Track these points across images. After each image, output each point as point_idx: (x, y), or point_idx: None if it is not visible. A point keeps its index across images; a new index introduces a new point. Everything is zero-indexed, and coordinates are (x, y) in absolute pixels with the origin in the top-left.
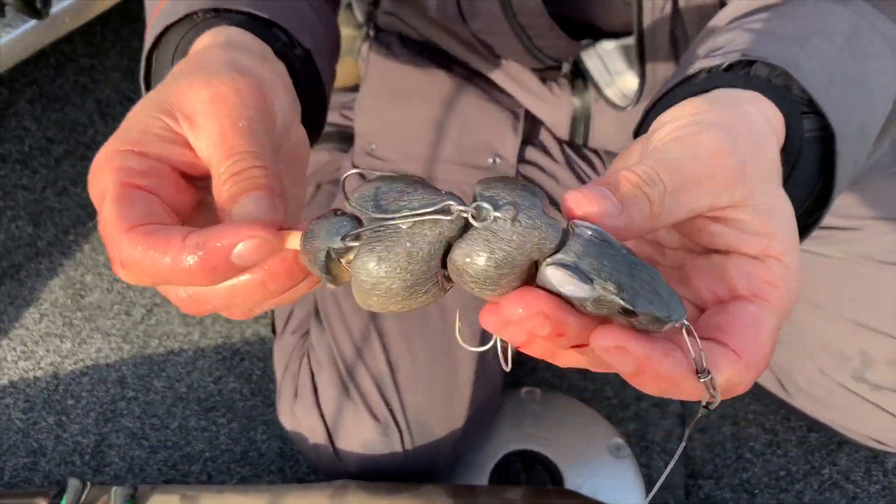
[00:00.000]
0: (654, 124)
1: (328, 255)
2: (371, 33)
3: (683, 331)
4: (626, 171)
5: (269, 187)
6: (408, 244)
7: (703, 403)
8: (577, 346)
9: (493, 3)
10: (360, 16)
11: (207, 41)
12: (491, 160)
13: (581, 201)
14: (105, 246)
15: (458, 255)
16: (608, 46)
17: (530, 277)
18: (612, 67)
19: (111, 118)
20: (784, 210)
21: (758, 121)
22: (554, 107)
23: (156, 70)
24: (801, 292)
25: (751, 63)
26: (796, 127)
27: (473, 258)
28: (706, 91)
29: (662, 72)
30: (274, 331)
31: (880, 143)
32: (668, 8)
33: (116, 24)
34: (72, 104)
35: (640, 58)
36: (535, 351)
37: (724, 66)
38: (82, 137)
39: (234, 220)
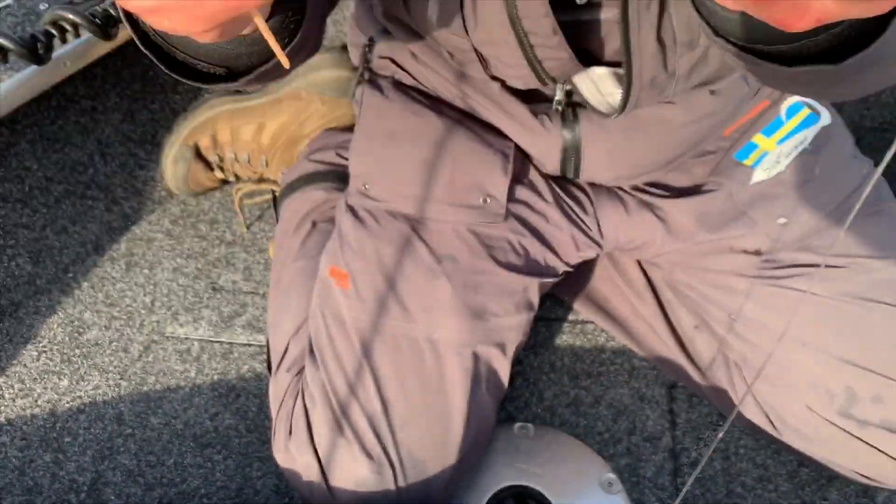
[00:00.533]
0: None
1: None
2: (365, 76)
3: None
4: None
5: None
6: None
7: None
8: None
9: (498, 8)
10: (355, 59)
11: None
12: (481, 200)
13: None
14: None
15: None
16: (600, 72)
17: None
18: (604, 90)
19: (111, 157)
20: None
21: None
22: (545, 140)
23: None
24: None
25: None
26: None
27: None
28: None
29: (647, 89)
30: (269, 368)
31: None
32: (655, 7)
33: (116, 67)
34: (72, 144)
35: (628, 78)
36: None
37: None
38: (82, 177)
39: None
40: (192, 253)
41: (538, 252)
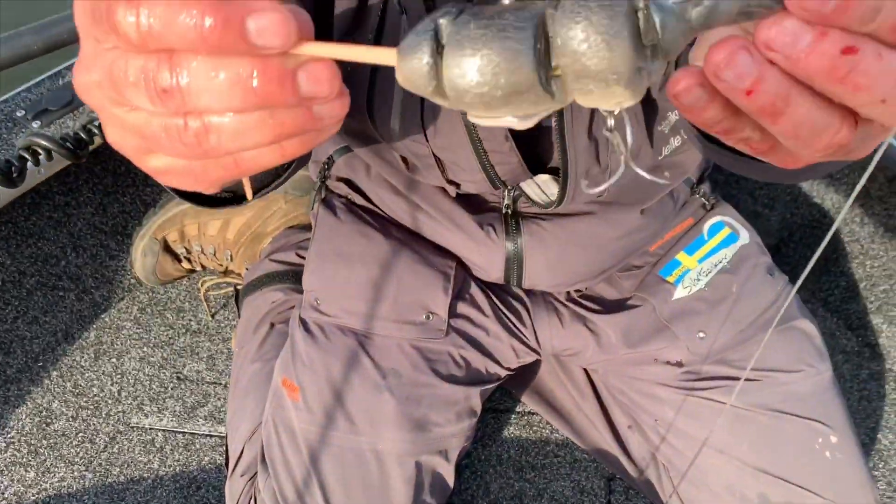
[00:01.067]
0: None
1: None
2: (322, 193)
3: None
4: None
5: None
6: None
7: None
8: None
9: (455, 117)
10: (314, 174)
11: None
12: (424, 317)
13: None
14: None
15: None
16: (545, 178)
17: None
18: (548, 192)
19: (83, 249)
20: None
21: None
22: (490, 250)
23: None
24: None
25: None
26: None
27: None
28: None
29: (582, 167)
30: (227, 465)
31: None
32: (585, 134)
33: (89, 163)
34: (45, 238)
35: (564, 171)
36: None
37: None
38: (54, 269)
39: None
40: (158, 342)
41: (479, 362)
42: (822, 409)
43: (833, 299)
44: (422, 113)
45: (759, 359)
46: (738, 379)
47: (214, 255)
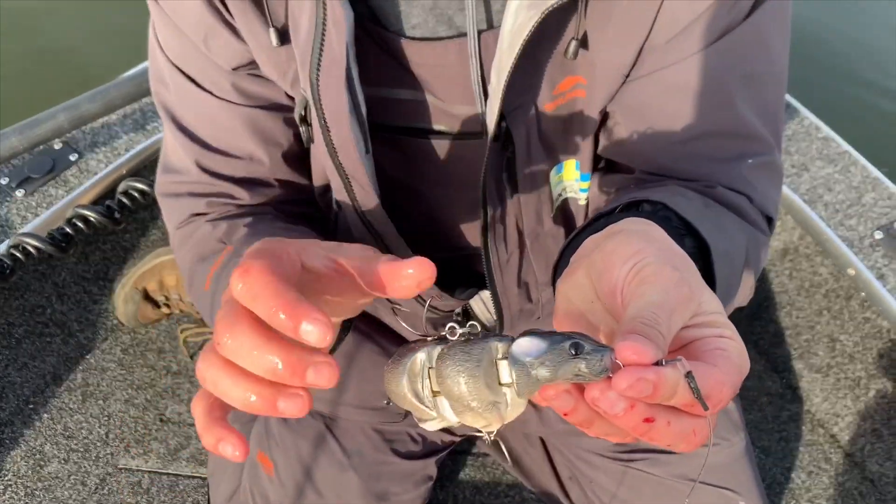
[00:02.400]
0: (578, 257)
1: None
2: None
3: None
4: (639, 322)
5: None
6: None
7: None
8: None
9: None
10: None
11: None
12: (385, 403)
13: (639, 350)
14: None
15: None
16: (487, 294)
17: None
18: (491, 310)
19: (67, 297)
20: (719, 307)
21: (679, 249)
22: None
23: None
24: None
25: (638, 205)
26: (680, 245)
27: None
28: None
29: (515, 307)
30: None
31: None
32: (515, 259)
33: None
34: (31, 290)
35: (496, 304)
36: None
37: (617, 209)
38: (41, 317)
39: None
40: (141, 383)
41: (434, 436)
42: (733, 478)
43: (763, 343)
44: None
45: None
46: (663, 452)
47: (192, 303)
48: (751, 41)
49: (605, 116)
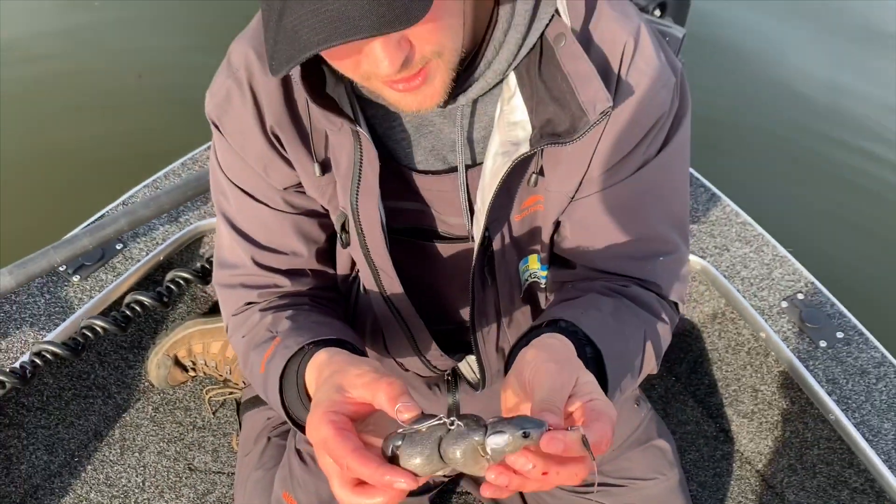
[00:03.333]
0: (516, 361)
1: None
2: None
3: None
4: (546, 403)
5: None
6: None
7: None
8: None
9: (404, 341)
10: None
11: (324, 356)
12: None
13: (553, 422)
14: (334, 467)
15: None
16: (472, 358)
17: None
18: (476, 371)
19: (108, 363)
20: (592, 380)
21: (566, 347)
22: (436, 402)
23: (286, 387)
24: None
25: (557, 322)
26: (582, 352)
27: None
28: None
29: (495, 367)
30: None
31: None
32: (494, 331)
33: None
34: (79, 359)
35: (480, 366)
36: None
37: (544, 324)
38: (85, 382)
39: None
40: (171, 437)
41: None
42: None
43: (699, 393)
44: (383, 338)
45: (625, 470)
46: (611, 485)
47: (216, 368)
48: (661, 169)
49: (557, 224)
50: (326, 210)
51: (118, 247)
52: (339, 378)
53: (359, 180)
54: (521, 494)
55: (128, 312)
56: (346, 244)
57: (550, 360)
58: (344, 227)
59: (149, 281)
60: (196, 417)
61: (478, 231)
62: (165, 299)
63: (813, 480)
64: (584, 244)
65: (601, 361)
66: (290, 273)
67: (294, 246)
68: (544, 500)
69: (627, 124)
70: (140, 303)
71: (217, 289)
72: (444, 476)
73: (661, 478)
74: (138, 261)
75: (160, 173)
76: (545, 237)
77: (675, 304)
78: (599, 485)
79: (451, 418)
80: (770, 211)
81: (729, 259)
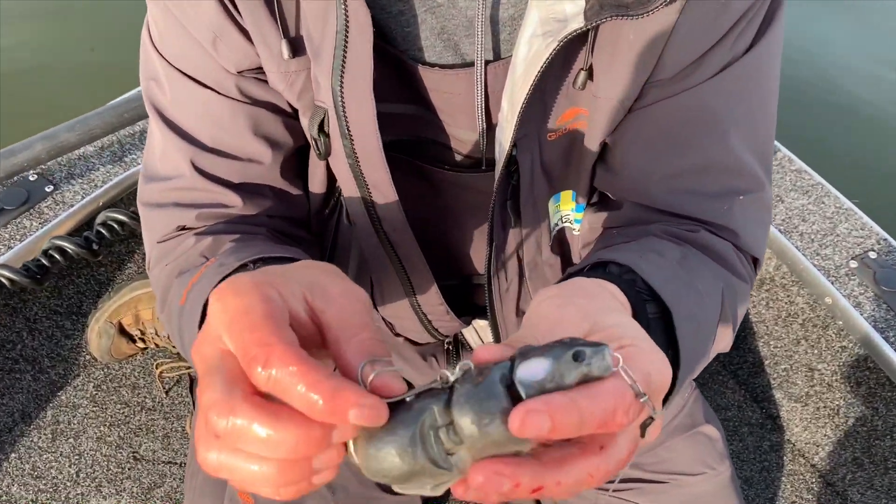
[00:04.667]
0: (526, 315)
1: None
2: None
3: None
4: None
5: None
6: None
7: (651, 417)
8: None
9: (399, 291)
10: None
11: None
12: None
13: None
14: (227, 362)
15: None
16: (482, 323)
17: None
18: (484, 338)
19: (38, 332)
20: (627, 322)
21: (587, 284)
22: (431, 377)
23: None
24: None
25: (605, 266)
26: (642, 310)
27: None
28: None
29: (514, 332)
30: None
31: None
32: (514, 287)
33: None
34: (1, 325)
35: (495, 331)
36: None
37: (586, 269)
38: (10, 353)
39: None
40: (114, 420)
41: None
42: None
43: (742, 373)
44: (371, 286)
45: (666, 462)
46: (649, 482)
47: (168, 337)
48: (749, 73)
49: (602, 149)
50: (295, 110)
51: (48, 189)
52: (311, 277)
53: (344, 56)
54: None
55: (44, 261)
56: (323, 153)
57: (561, 301)
58: (322, 129)
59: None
60: (145, 397)
61: (501, 151)
62: (96, 247)
63: (884, 477)
64: (639, 174)
65: (670, 325)
66: (244, 189)
67: (250, 149)
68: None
69: (713, 8)
70: (61, 250)
71: (141, 211)
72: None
73: (710, 472)
74: (71, 206)
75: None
76: (586, 166)
77: (755, 262)
78: (634, 480)
79: (445, 373)
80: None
81: (784, 212)
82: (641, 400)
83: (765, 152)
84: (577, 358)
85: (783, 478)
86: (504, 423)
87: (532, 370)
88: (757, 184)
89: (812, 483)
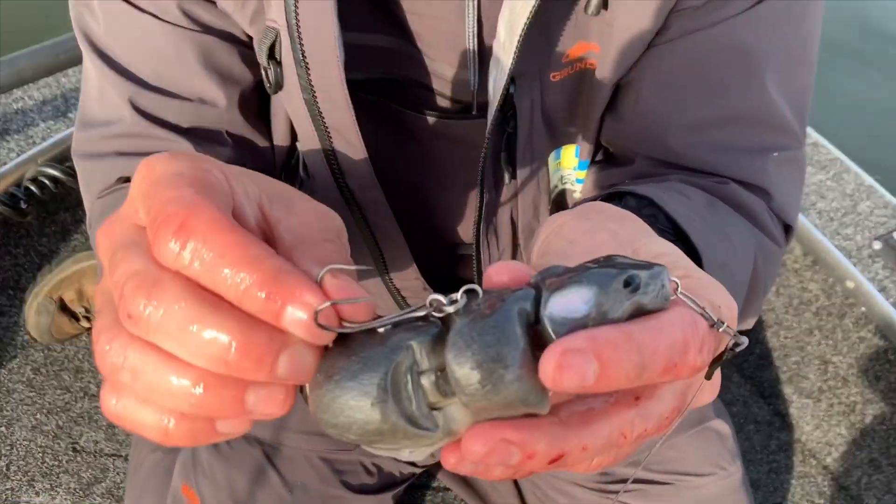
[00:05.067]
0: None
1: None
2: None
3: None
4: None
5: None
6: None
7: (730, 346)
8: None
9: (367, 259)
10: None
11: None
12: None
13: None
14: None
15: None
16: None
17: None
18: None
19: None
20: (677, 251)
21: (611, 208)
22: None
23: None
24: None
25: (622, 197)
26: None
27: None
28: None
29: None
30: None
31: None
32: (507, 259)
33: None
34: None
35: None
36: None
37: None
38: None
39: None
40: (53, 408)
41: (392, 466)
42: None
43: (748, 366)
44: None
45: (672, 462)
46: (652, 482)
47: None
48: (789, 12)
49: (614, 93)
50: (250, 38)
51: None
52: (277, 187)
53: None
54: (521, 497)
55: None
56: (274, 85)
57: (589, 224)
58: (273, 55)
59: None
60: (89, 382)
61: (495, 90)
62: (24, 205)
63: None
64: (657, 122)
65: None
66: (196, 135)
67: (200, 86)
68: (556, 502)
69: None
70: None
71: (77, 164)
72: (421, 464)
73: (720, 473)
74: (4, 163)
75: None
76: (594, 115)
77: (787, 230)
78: (636, 481)
79: (438, 297)
80: (844, 132)
81: None
82: (720, 329)
83: (802, 104)
84: (629, 284)
85: (792, 480)
86: (521, 378)
87: (569, 303)
88: (794, 140)
89: (824, 486)
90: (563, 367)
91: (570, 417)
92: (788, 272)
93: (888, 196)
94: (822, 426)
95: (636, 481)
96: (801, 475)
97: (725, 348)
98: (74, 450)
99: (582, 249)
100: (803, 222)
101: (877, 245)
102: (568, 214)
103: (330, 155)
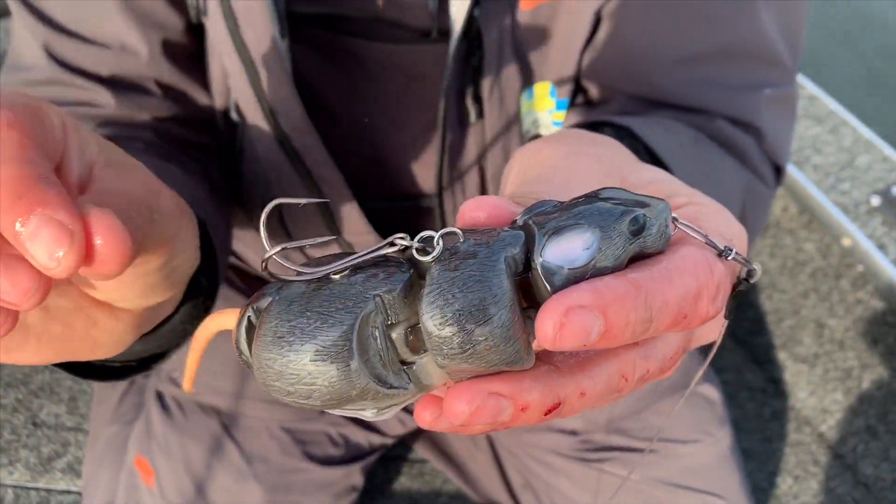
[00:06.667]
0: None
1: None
2: None
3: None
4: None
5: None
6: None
7: (743, 276)
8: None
9: (312, 217)
10: None
11: None
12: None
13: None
14: None
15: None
16: None
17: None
18: None
19: None
20: (672, 178)
21: (592, 134)
22: None
23: None
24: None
25: (599, 128)
26: None
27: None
28: None
29: None
30: None
31: None
32: None
33: None
34: None
35: None
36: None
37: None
38: None
39: None
40: (11, 380)
41: (360, 436)
42: (718, 482)
43: (740, 331)
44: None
45: (657, 428)
46: (634, 450)
47: None
48: None
49: (594, 26)
50: None
51: None
52: (114, 154)
53: None
54: (501, 467)
55: None
56: (196, 15)
57: (568, 149)
58: None
59: None
60: None
61: (458, 15)
62: None
63: None
64: (643, 56)
65: None
66: (117, 84)
67: (121, 32)
68: (535, 472)
69: None
70: None
71: None
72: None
73: (707, 440)
74: None
75: None
76: (572, 49)
77: (777, 171)
78: (618, 449)
79: (403, 239)
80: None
81: (795, 141)
82: (728, 258)
83: (796, 38)
84: (634, 224)
85: (786, 448)
86: (507, 339)
87: (568, 250)
88: (787, 76)
89: (819, 454)
90: (565, 326)
91: (564, 362)
92: (783, 232)
93: (888, 150)
94: (818, 392)
95: (616, 448)
96: (795, 443)
97: (738, 279)
98: (34, 424)
99: (564, 176)
100: (798, 177)
101: (875, 201)
102: (543, 140)
103: (260, 93)
